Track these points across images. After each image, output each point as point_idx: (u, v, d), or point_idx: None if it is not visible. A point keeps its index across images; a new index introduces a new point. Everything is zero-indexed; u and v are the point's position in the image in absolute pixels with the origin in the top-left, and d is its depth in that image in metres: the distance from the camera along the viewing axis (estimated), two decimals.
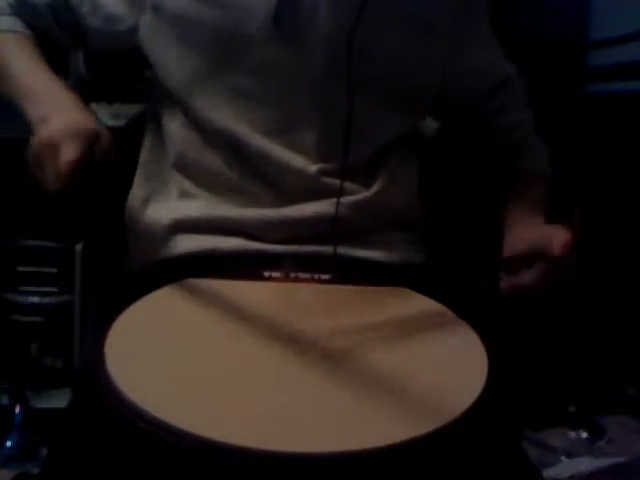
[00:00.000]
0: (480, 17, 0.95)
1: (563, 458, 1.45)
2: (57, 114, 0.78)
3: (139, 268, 0.90)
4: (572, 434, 1.54)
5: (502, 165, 0.98)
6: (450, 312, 0.74)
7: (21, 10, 0.90)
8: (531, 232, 0.85)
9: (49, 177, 0.74)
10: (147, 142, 0.94)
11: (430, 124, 1.04)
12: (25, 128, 0.80)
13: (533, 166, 0.96)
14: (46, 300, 1.49)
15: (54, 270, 1.48)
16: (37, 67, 0.86)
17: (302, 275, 0.80)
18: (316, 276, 0.81)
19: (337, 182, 0.86)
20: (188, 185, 0.88)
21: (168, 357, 0.63)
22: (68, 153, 0.73)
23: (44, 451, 1.38)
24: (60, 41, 0.93)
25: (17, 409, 1.43)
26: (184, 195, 0.89)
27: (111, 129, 0.80)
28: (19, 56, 0.87)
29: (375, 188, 0.90)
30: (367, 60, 0.84)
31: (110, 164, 0.77)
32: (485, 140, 0.99)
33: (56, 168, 0.73)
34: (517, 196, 0.93)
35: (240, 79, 0.85)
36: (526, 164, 0.96)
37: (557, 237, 0.80)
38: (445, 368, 0.65)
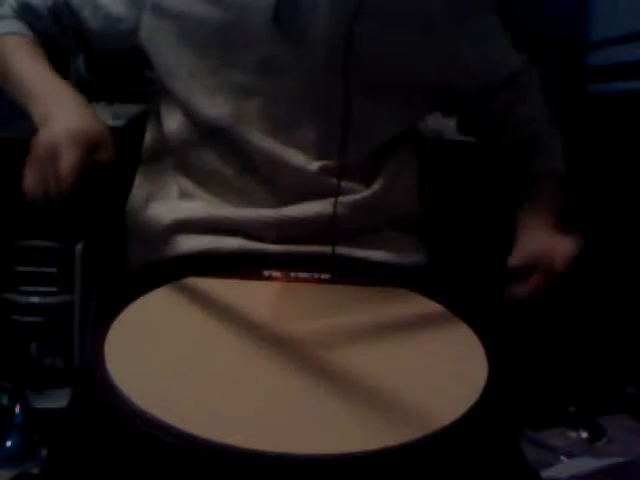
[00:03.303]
0: (484, 12, 0.94)
1: (563, 458, 1.45)
2: (59, 111, 0.78)
3: (139, 268, 0.90)
4: (572, 434, 1.54)
5: (515, 164, 0.97)
6: (450, 313, 0.75)
7: (24, 14, 0.91)
8: (538, 243, 0.87)
9: (48, 181, 0.72)
10: (147, 142, 0.94)
11: (429, 125, 1.04)
12: (25, 128, 0.80)
13: (547, 165, 0.95)
14: (46, 300, 1.49)
15: (54, 270, 1.48)
16: (39, 67, 0.86)
17: (302, 275, 0.81)
18: (316, 276, 0.81)
19: (336, 181, 0.86)
20: (188, 185, 0.89)
21: (168, 357, 0.63)
22: (68, 158, 0.71)
23: (44, 451, 1.38)
24: (62, 43, 0.93)
25: (17, 409, 1.43)
26: (184, 195, 0.89)
27: (111, 129, 0.79)
28: (22, 57, 0.87)
29: (375, 188, 0.90)
30: (365, 57, 0.84)
31: (112, 168, 0.75)
32: (496, 137, 0.99)
33: (55, 172, 0.71)
34: (530, 197, 0.92)
35: (239, 77, 0.85)
36: (540, 163, 0.95)
37: (561, 251, 0.83)
38: (445, 369, 0.65)
